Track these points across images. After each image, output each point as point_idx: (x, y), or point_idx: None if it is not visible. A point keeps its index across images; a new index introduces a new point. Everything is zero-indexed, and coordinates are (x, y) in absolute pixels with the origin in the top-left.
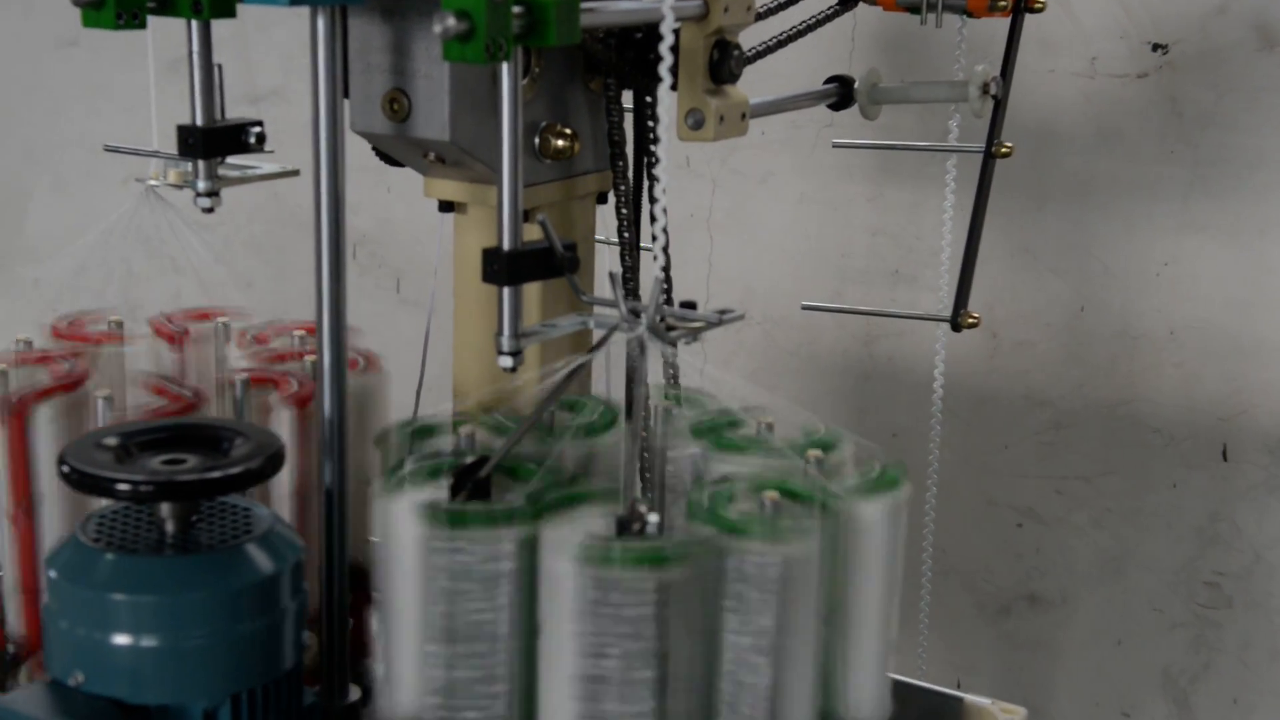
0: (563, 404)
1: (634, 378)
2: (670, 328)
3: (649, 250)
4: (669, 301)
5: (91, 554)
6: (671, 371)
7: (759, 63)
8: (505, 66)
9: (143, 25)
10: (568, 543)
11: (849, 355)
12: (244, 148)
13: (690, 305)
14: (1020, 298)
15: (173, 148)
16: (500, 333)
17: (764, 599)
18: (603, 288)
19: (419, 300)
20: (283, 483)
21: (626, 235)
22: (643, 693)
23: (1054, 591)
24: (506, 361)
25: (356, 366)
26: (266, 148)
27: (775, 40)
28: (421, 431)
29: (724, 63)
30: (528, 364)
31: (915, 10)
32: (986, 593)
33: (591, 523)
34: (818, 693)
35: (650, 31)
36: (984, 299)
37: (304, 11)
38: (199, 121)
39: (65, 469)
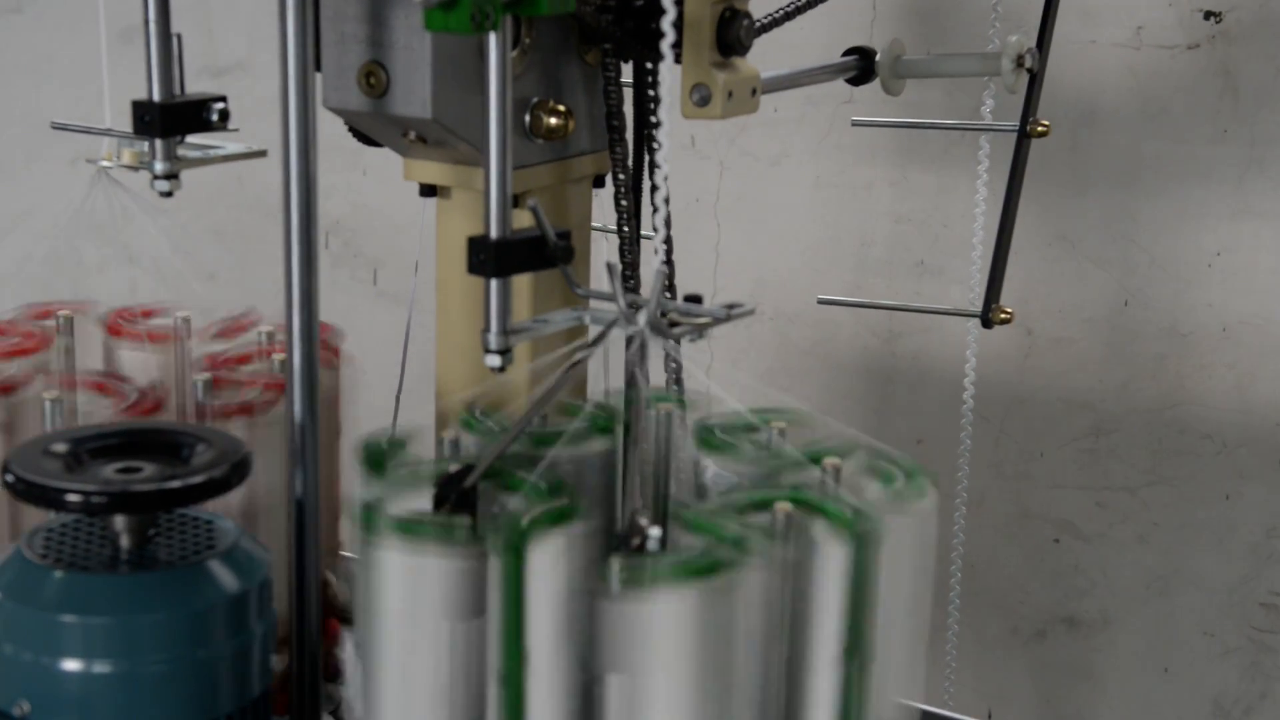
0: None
1: (633, 378)
2: (673, 324)
3: (650, 239)
4: (672, 295)
5: (38, 571)
6: (674, 371)
7: (771, 33)
8: (493, 37)
9: None
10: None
11: (869, 354)
12: (205, 126)
13: (695, 299)
14: (1058, 291)
15: (127, 126)
16: (487, 329)
17: (775, 623)
18: (599, 280)
19: (398, 293)
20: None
21: (625, 222)
22: None
23: (1094, 613)
24: (494, 360)
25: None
26: (230, 126)
27: (789, 8)
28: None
29: (733, 33)
30: (517, 363)
31: None
32: (1021, 615)
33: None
34: None
35: None
36: (1018, 292)
37: None
38: (156, 97)
39: (9, 478)
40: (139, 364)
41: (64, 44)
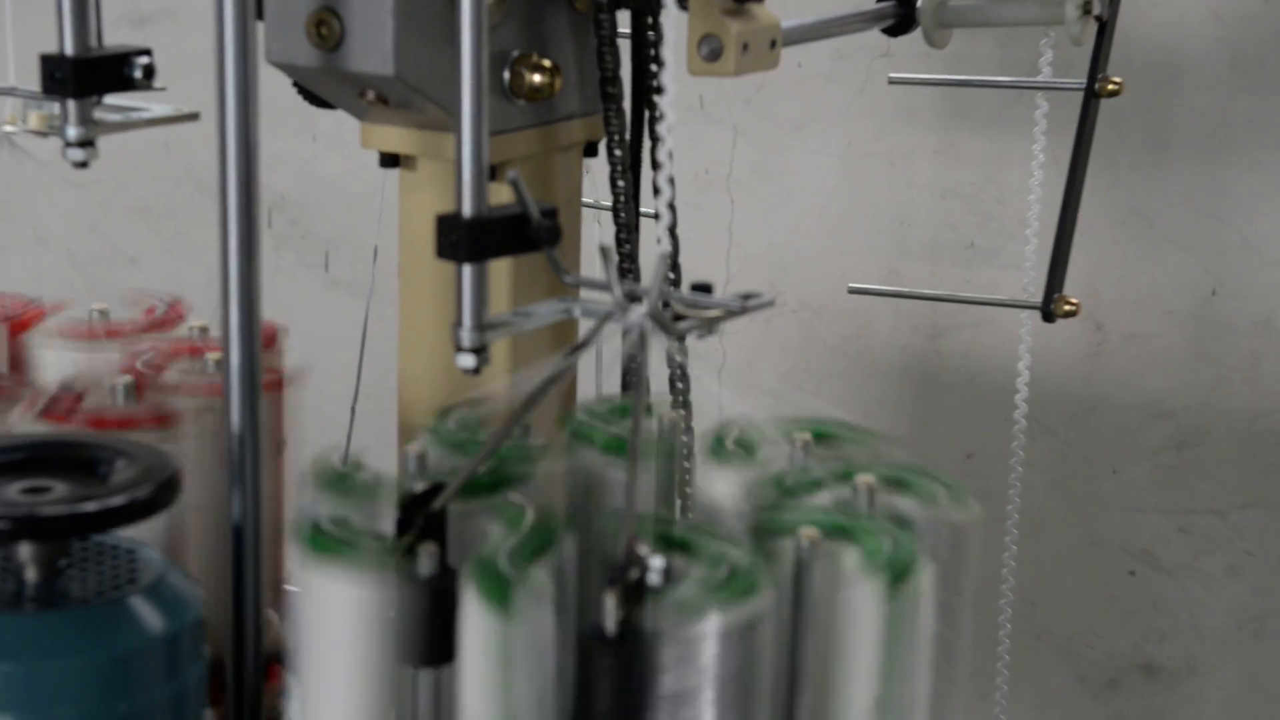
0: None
1: (632, 380)
2: (679, 317)
3: (651, 217)
4: (677, 284)
5: None
6: (679, 373)
7: None
8: None
9: None
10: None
11: (910, 352)
12: (127, 84)
13: (704, 288)
14: (1132, 278)
15: (34, 84)
16: (459, 324)
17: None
18: (592, 265)
19: (354, 282)
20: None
21: (622, 197)
22: None
23: (1178, 659)
24: (467, 361)
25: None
26: (156, 84)
27: None
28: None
29: None
30: (494, 365)
31: None
32: (1090, 660)
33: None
34: None
35: None
36: (1085, 280)
37: None
38: (68, 50)
39: None
40: (52, 364)
41: None
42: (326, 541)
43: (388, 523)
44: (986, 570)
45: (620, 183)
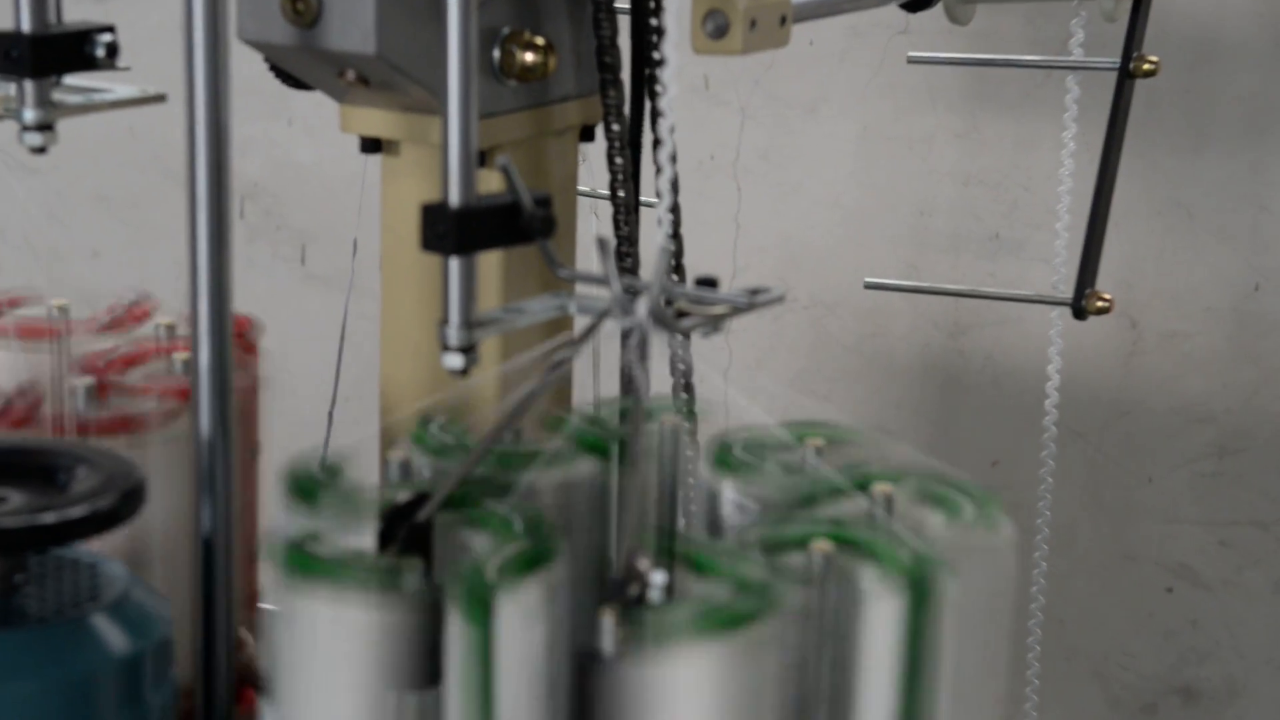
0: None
1: (631, 382)
2: (681, 314)
3: (652, 206)
4: (680, 278)
5: None
6: (682, 374)
7: None
8: None
9: None
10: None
11: (930, 352)
12: (88, 63)
13: (709, 282)
14: (1170, 272)
15: None
16: (446, 321)
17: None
18: (588, 258)
19: (333, 276)
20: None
21: (620, 175)
22: None
23: (1218, 682)
24: (454, 361)
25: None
26: (120, 64)
27: None
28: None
29: None
30: (483, 365)
31: None
32: (1124, 683)
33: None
34: None
35: None
36: (1119, 274)
37: None
38: (25, 27)
39: None
40: (3, 365)
41: None
42: (309, 560)
43: (368, 538)
44: (1015, 585)
45: (618, 159)
